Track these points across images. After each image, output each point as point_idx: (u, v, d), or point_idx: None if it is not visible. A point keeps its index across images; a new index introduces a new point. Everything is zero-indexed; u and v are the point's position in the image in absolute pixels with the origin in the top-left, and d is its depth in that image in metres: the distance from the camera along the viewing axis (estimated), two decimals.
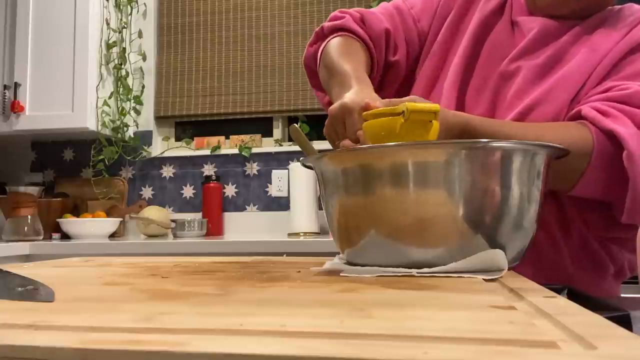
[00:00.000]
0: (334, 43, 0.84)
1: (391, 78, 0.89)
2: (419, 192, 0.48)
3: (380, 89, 0.88)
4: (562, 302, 0.33)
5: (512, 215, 0.49)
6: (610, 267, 0.75)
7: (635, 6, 0.80)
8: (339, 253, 0.59)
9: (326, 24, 0.87)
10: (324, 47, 0.85)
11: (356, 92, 0.69)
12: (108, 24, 2.26)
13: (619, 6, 0.82)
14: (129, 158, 2.38)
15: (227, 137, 2.43)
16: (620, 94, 0.68)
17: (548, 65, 0.76)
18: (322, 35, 0.88)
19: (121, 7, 2.34)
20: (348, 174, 0.52)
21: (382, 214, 0.50)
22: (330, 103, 0.92)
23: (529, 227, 0.51)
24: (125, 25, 2.36)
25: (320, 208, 1.97)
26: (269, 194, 2.30)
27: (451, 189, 0.48)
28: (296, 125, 0.74)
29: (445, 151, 0.48)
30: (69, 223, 2.11)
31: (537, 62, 0.76)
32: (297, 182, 1.98)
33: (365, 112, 0.60)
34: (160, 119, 2.46)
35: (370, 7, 2.17)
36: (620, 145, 0.63)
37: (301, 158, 0.62)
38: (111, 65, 2.28)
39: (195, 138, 2.46)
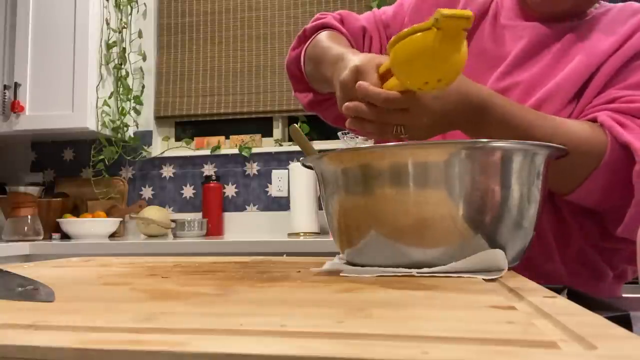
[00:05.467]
0: (321, 35, 0.84)
1: None
2: (419, 192, 0.48)
3: None
4: (562, 302, 0.33)
5: (513, 215, 0.49)
6: (609, 273, 0.75)
7: (635, 5, 0.78)
8: (339, 253, 0.59)
9: (308, 26, 0.89)
10: (309, 43, 0.86)
11: (364, 56, 0.65)
12: (108, 24, 2.26)
13: (611, 5, 0.80)
14: (129, 158, 2.38)
15: (227, 137, 2.43)
16: (630, 107, 0.66)
17: (542, 75, 0.74)
18: (304, 38, 0.89)
19: (121, 7, 2.34)
20: (348, 174, 0.52)
21: (382, 214, 0.50)
22: (311, 102, 0.91)
23: (528, 227, 0.51)
24: (125, 25, 2.36)
25: (320, 208, 1.97)
26: (269, 194, 2.30)
27: (451, 188, 0.48)
28: (296, 125, 0.73)
29: (445, 151, 0.48)
30: (69, 223, 2.11)
31: (528, 75, 0.74)
32: (297, 182, 1.98)
33: (390, 41, 0.56)
34: (160, 119, 2.46)
35: (370, 7, 2.18)
36: (632, 158, 0.62)
37: (301, 158, 0.61)
38: (111, 65, 2.28)
39: (195, 138, 2.46)
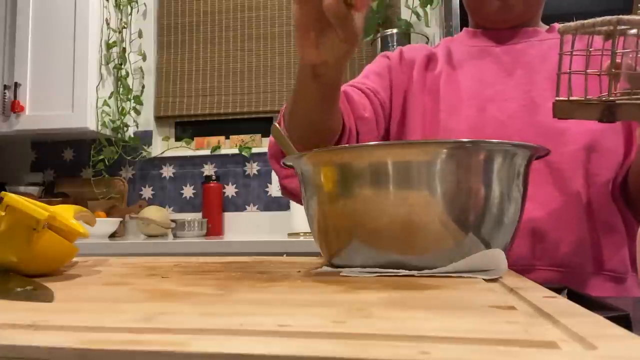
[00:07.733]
0: None
1: (365, 130, 0.83)
2: (406, 194, 0.47)
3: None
4: (562, 302, 0.33)
5: (509, 214, 0.49)
6: None
7: None
8: None
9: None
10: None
11: None
12: (108, 24, 2.26)
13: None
14: (129, 158, 2.38)
15: (227, 137, 2.43)
16: None
17: (523, 78, 0.80)
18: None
19: (121, 7, 2.34)
20: (327, 174, 0.51)
21: (365, 216, 0.48)
22: (286, 176, 0.82)
23: (510, 224, 0.50)
24: (125, 25, 2.36)
25: None
26: (269, 194, 2.30)
27: (446, 190, 0.47)
28: (277, 125, 0.73)
29: (438, 151, 0.47)
30: None
31: (512, 84, 0.80)
32: None
33: None
34: (160, 119, 2.46)
35: (371, 7, 2.17)
36: None
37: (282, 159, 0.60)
38: (111, 65, 2.28)
39: (195, 138, 2.46)
